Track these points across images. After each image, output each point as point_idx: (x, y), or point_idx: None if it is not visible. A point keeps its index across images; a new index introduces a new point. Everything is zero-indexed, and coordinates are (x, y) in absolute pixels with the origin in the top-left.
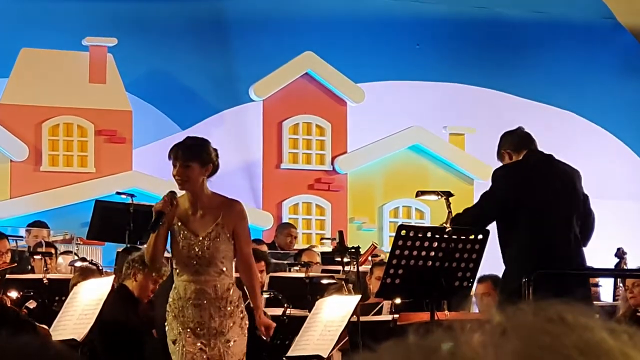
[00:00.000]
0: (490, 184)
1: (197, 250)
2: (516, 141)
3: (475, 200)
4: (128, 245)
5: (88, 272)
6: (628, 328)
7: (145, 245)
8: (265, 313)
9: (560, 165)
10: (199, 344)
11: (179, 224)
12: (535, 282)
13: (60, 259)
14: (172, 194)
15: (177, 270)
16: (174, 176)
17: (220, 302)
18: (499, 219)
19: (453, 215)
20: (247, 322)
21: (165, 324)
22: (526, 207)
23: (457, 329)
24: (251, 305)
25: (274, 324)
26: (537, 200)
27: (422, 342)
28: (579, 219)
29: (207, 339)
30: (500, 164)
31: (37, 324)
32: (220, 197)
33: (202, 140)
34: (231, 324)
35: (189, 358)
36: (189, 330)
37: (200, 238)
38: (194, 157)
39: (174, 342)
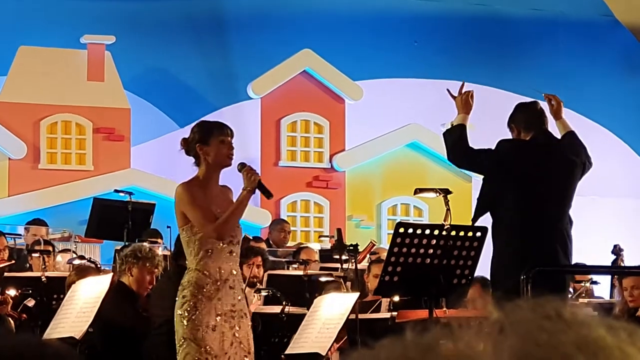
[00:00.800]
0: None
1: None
2: (528, 119)
3: (474, 198)
4: (126, 243)
5: (84, 270)
6: (626, 325)
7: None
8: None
9: (562, 152)
10: (233, 329)
11: (211, 203)
12: (534, 279)
13: (58, 257)
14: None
15: (209, 253)
16: (226, 156)
17: (242, 284)
18: (487, 180)
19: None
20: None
21: (187, 318)
22: (517, 185)
23: (455, 326)
24: None
25: None
26: (530, 183)
27: (419, 339)
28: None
29: (237, 321)
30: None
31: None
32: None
33: None
34: (247, 307)
35: (227, 345)
36: (225, 315)
37: None
38: None
39: (213, 329)
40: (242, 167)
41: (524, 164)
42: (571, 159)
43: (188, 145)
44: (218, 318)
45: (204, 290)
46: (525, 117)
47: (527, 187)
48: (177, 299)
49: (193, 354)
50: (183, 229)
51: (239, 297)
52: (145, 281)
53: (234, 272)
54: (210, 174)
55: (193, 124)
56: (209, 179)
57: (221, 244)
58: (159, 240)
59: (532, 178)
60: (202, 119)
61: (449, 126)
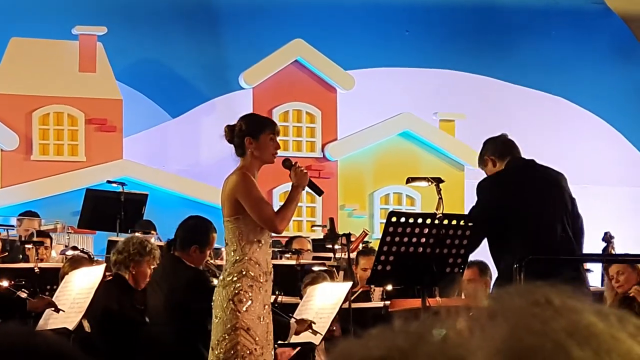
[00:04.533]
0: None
1: None
2: (500, 148)
3: (466, 187)
4: (118, 234)
5: (78, 261)
6: (616, 311)
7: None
8: None
9: (543, 169)
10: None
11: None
12: (527, 269)
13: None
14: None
15: (260, 244)
16: (272, 154)
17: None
18: (490, 230)
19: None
20: None
21: (236, 307)
22: (515, 215)
23: (445, 314)
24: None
25: None
26: (526, 205)
27: (409, 328)
28: (569, 219)
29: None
30: (482, 170)
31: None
32: None
33: None
34: None
35: (271, 336)
36: (268, 306)
37: None
38: None
39: (261, 319)
40: (290, 164)
41: (510, 192)
42: (552, 171)
43: (233, 134)
44: (264, 309)
45: (257, 281)
46: (496, 146)
47: (523, 210)
48: (221, 288)
49: (244, 343)
50: (232, 219)
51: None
52: (147, 275)
53: (271, 264)
54: (253, 167)
55: (185, 115)
56: (252, 170)
57: (268, 236)
58: (152, 232)
59: (523, 200)
60: (193, 108)
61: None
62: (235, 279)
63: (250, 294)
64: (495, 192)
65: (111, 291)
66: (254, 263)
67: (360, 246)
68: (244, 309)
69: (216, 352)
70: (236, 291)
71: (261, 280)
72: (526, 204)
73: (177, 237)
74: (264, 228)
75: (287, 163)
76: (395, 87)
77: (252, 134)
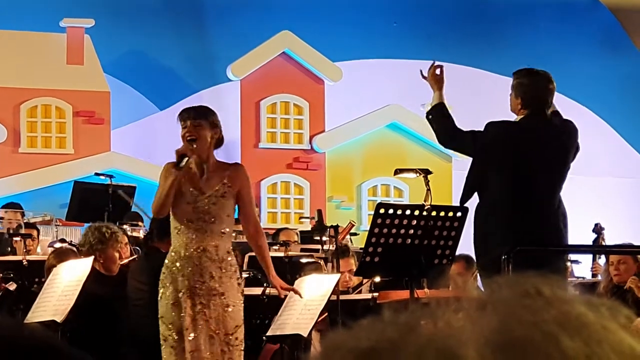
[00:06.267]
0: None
1: (202, 206)
2: (532, 96)
3: (454, 178)
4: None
5: (64, 253)
6: (607, 301)
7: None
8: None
9: (555, 137)
10: (198, 305)
11: (185, 182)
12: (515, 258)
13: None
14: (191, 141)
15: (177, 231)
16: (183, 137)
17: (220, 264)
18: (478, 167)
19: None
20: (243, 292)
21: (159, 295)
22: (504, 173)
23: (434, 306)
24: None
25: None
26: (522, 167)
27: (398, 319)
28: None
29: (207, 299)
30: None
31: None
32: (226, 163)
33: (210, 108)
34: (230, 287)
35: (188, 322)
36: (188, 291)
37: (208, 195)
38: (203, 116)
39: (175, 305)
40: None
41: (512, 147)
42: (564, 142)
43: None
44: (180, 294)
45: (170, 268)
46: (531, 91)
47: (514, 170)
48: None
49: (162, 331)
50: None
51: (214, 275)
52: (116, 258)
53: (202, 249)
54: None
55: (173, 107)
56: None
57: (187, 222)
58: (140, 223)
59: (519, 161)
60: (181, 100)
61: (428, 107)
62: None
63: (163, 281)
64: (498, 139)
65: (87, 283)
66: (172, 251)
67: (348, 237)
68: (159, 297)
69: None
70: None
71: (174, 268)
72: (518, 165)
73: (154, 228)
74: (180, 215)
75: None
76: (382, 79)
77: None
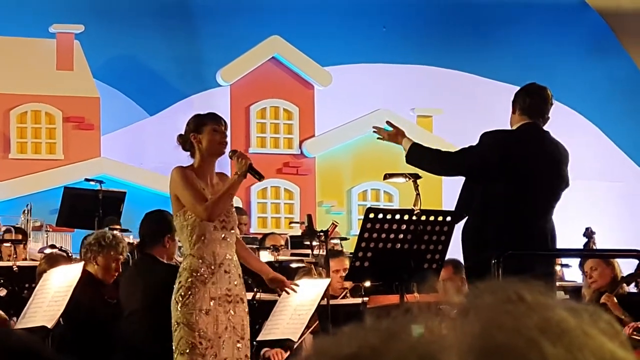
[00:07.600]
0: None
1: (225, 214)
2: (532, 106)
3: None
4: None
5: (54, 259)
6: (588, 307)
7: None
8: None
9: (551, 149)
10: (228, 314)
11: (206, 190)
12: (505, 263)
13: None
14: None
15: (203, 239)
16: (218, 143)
17: (238, 269)
18: (476, 180)
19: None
20: None
21: (181, 302)
22: (506, 180)
23: (418, 311)
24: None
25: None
26: (519, 176)
27: (381, 325)
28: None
29: (233, 306)
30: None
31: None
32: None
33: None
34: (245, 294)
35: (222, 329)
36: (220, 299)
37: None
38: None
39: (206, 313)
40: (234, 153)
41: (507, 156)
42: (557, 157)
43: (183, 138)
44: (212, 302)
45: (198, 274)
46: (532, 102)
47: (509, 178)
48: (174, 285)
49: (186, 338)
50: (177, 215)
51: (235, 282)
52: (111, 269)
53: (229, 257)
54: (205, 163)
55: (162, 112)
56: (204, 167)
57: (214, 230)
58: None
59: (515, 169)
60: (171, 106)
61: (405, 152)
62: (180, 275)
63: (189, 288)
64: (493, 149)
65: (78, 286)
66: (197, 258)
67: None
68: (184, 303)
69: (174, 347)
70: (179, 286)
71: (205, 274)
72: (519, 174)
73: (146, 234)
74: (206, 222)
75: (230, 153)
76: (372, 83)
77: (196, 130)
